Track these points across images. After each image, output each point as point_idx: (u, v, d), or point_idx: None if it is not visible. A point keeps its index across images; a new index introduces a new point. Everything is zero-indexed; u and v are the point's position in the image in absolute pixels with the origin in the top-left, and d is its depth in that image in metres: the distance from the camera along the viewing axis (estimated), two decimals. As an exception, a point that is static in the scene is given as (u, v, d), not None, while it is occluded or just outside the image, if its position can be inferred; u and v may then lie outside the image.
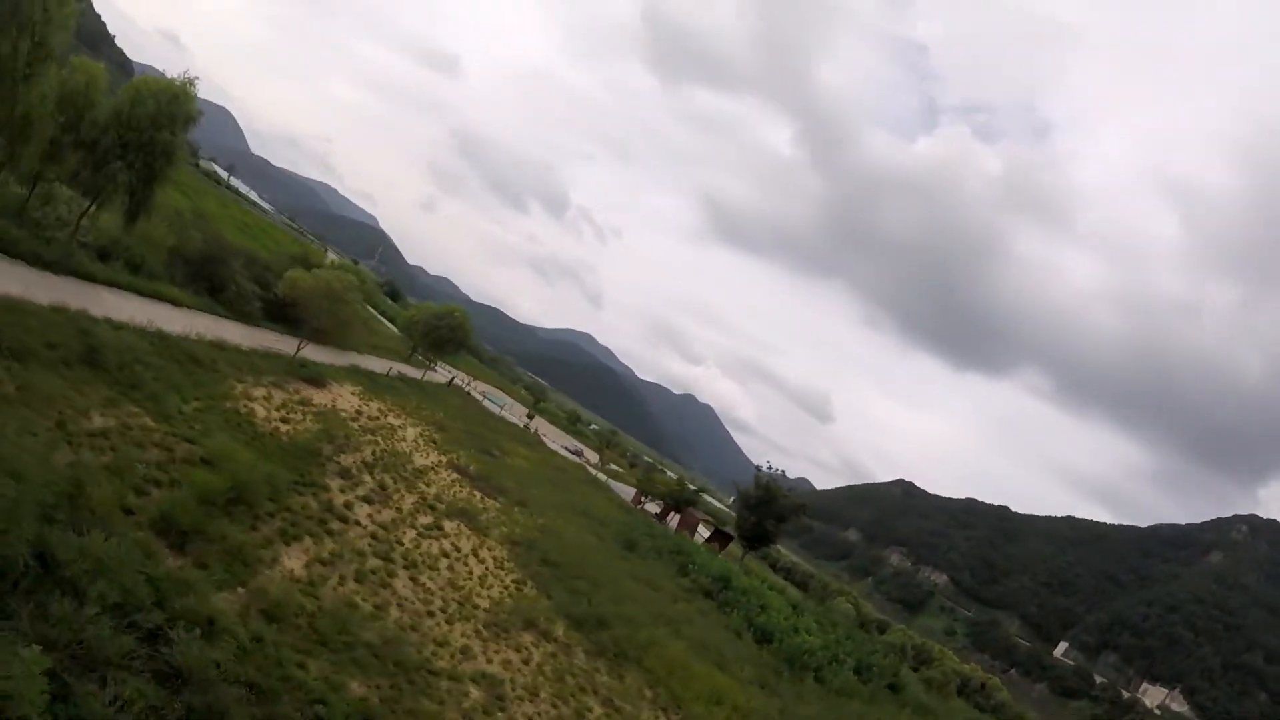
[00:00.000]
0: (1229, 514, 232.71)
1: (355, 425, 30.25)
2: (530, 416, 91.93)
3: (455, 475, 32.09)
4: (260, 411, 23.80)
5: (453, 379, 74.53)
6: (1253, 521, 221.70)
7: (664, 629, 24.35)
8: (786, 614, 37.05)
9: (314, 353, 38.28)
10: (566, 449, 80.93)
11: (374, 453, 27.03)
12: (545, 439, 75.17)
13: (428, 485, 27.12)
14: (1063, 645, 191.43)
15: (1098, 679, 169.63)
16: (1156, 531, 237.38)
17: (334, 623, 12.99)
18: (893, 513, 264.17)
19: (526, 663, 16.53)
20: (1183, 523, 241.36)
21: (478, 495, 30.34)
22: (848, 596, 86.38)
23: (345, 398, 34.85)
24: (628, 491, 67.26)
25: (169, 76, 27.24)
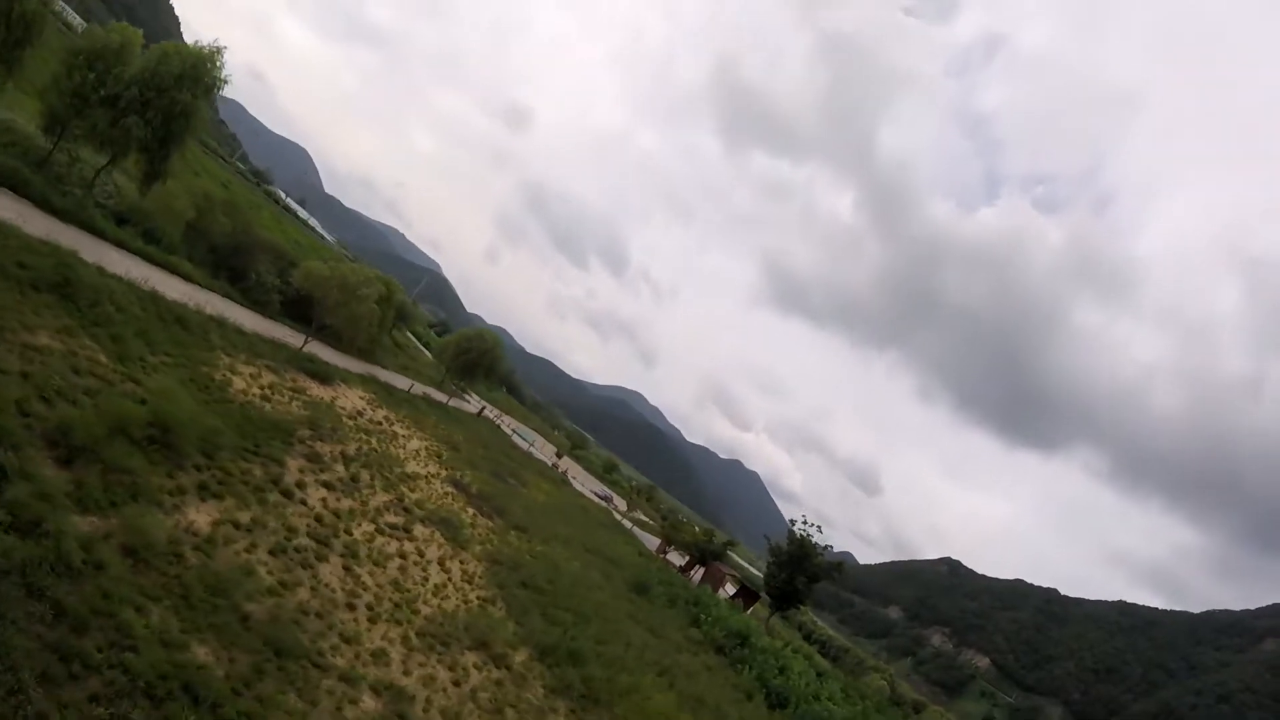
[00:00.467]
0: None
1: (350, 422, 28.20)
2: (559, 455, 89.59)
3: (451, 489, 29.69)
4: (239, 384, 21.93)
5: (483, 409, 72.87)
6: None
7: (654, 677, 21.09)
8: (809, 679, 32.95)
9: (332, 356, 37.22)
10: (595, 493, 78.11)
11: (360, 448, 24.88)
12: (574, 481, 72.48)
13: (411, 490, 24.73)
14: None
15: None
16: (1210, 618, 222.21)
17: (212, 582, 10.57)
18: (937, 591, 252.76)
19: (457, 684, 13.58)
20: (1238, 609, 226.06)
21: (470, 511, 27.83)
22: (883, 674, 79.73)
23: (349, 398, 32.60)
24: (654, 543, 63.66)
25: (199, 45, 26.83)
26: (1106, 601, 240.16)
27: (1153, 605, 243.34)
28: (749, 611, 52.41)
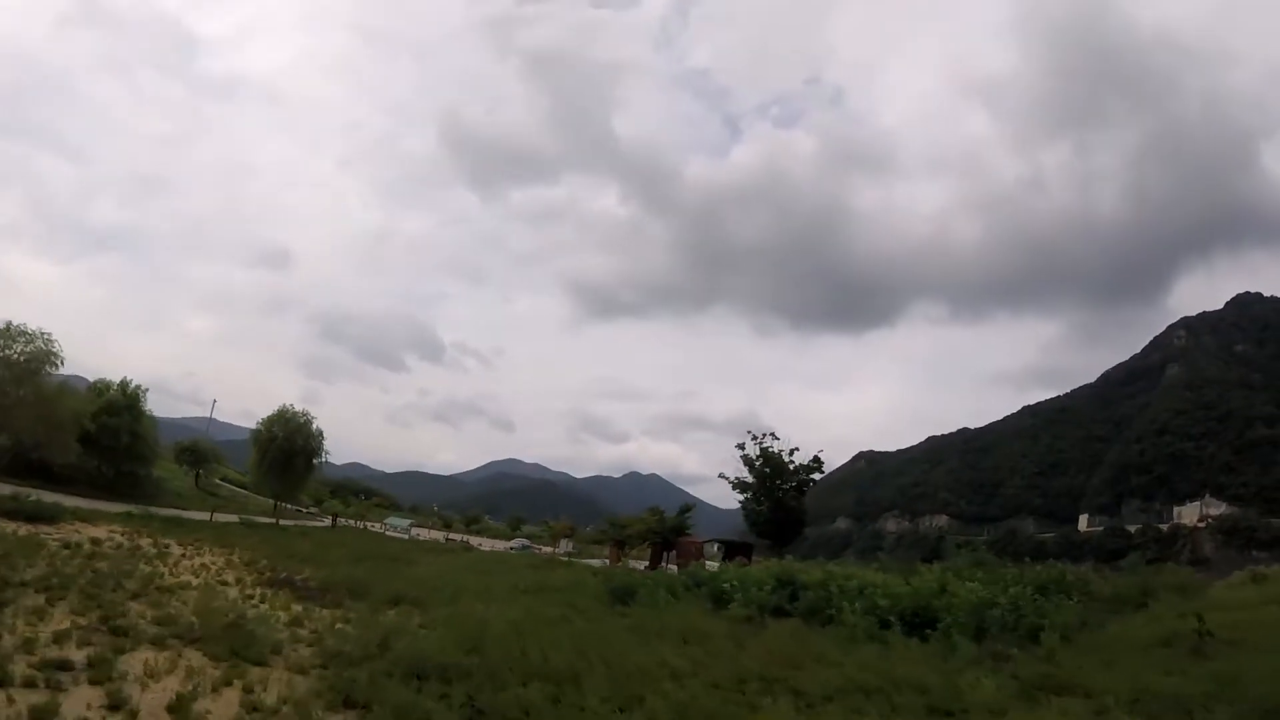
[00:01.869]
0: (1163, 328, 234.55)
1: (81, 550, 15.99)
2: (447, 526, 76.63)
3: (268, 590, 17.64)
4: None
5: (336, 518, 58.58)
6: (1187, 323, 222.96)
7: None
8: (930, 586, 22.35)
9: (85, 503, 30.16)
10: (511, 547, 65.94)
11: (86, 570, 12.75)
12: (480, 546, 59.82)
13: (168, 601, 12.78)
14: (1083, 519, 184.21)
15: (1131, 529, 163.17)
16: (1108, 378, 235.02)
17: None
18: (868, 485, 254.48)
19: None
20: (1127, 358, 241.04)
21: (296, 607, 15.95)
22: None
23: (88, 531, 22.93)
24: (601, 563, 52.16)
25: None
26: (1013, 413, 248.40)
27: (1054, 395, 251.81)
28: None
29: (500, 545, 70.12)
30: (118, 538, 23.75)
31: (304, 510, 66.25)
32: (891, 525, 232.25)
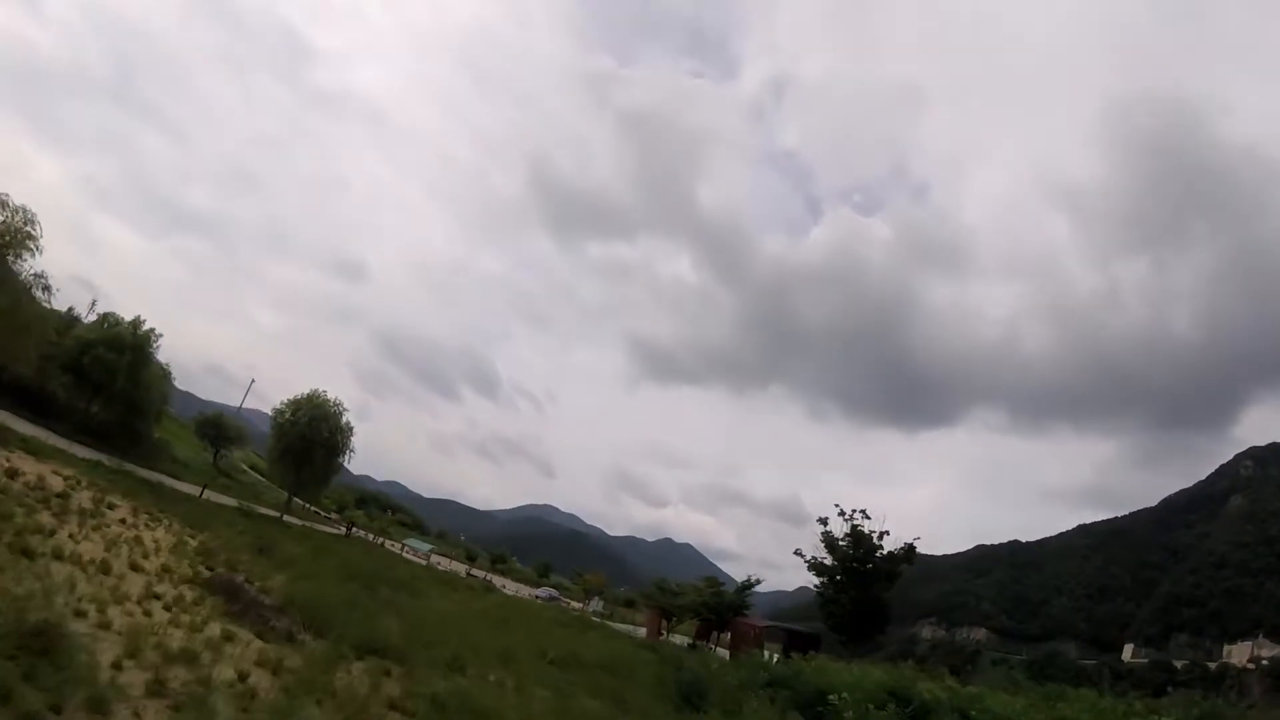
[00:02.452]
0: (1229, 457, 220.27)
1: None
2: (471, 559, 70.12)
3: (190, 592, 11.58)
4: None
5: (351, 526, 52.77)
6: (1255, 453, 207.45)
7: None
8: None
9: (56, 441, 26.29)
10: (537, 595, 59.37)
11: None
12: (503, 588, 52.99)
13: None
14: (1128, 648, 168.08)
15: (1178, 664, 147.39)
16: (1169, 504, 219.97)
17: None
18: (908, 586, 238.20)
19: None
20: (1189, 485, 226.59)
21: (213, 628, 9.76)
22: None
23: (21, 464, 18.87)
24: (637, 634, 44.73)
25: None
26: (1066, 530, 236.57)
27: (1112, 516, 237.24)
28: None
29: (525, 590, 63.58)
30: (51, 479, 18.29)
31: (322, 514, 60.61)
32: (927, 632, 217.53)
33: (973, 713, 15.92)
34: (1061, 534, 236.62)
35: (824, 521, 37.87)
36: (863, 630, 38.29)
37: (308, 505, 54.93)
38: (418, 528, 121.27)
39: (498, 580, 64.36)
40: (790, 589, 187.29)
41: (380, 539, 57.84)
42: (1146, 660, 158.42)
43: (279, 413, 39.94)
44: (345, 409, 41.28)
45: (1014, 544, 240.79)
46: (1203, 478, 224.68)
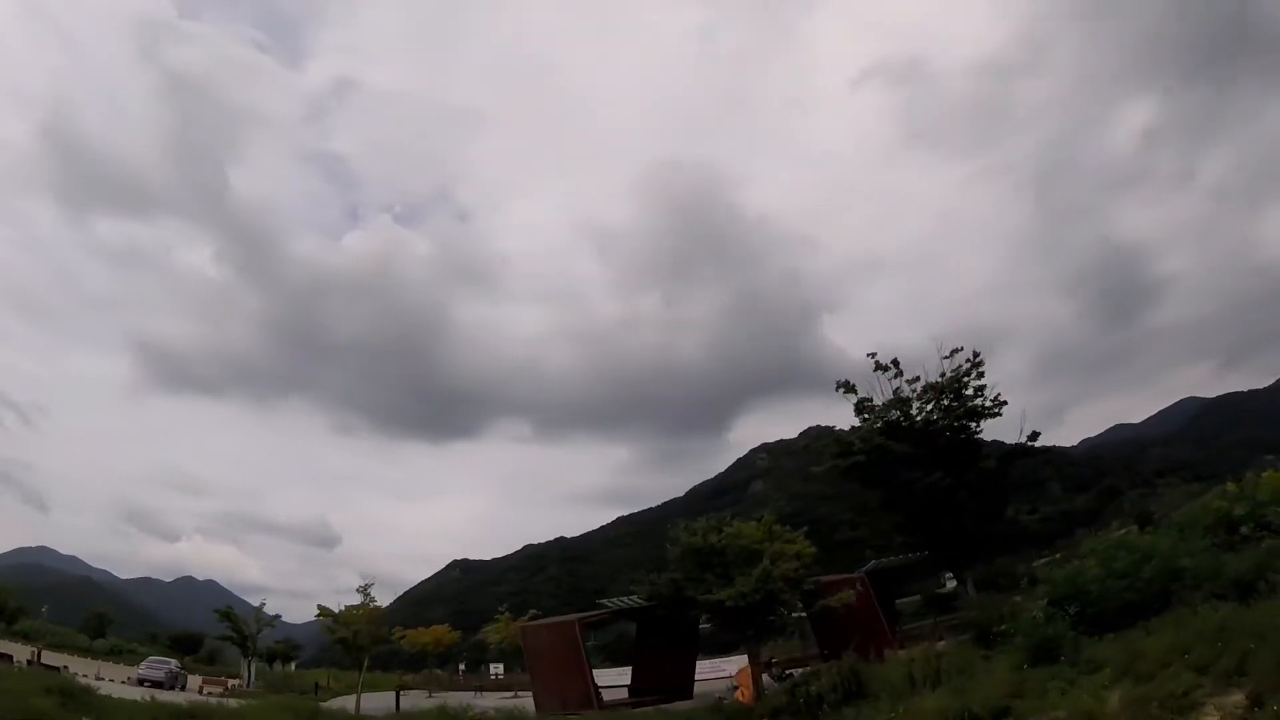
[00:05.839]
0: (745, 451, 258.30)
1: None
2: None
3: None
4: None
5: None
6: (767, 448, 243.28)
7: None
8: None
9: None
10: (141, 675, 38.16)
11: None
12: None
13: None
14: None
15: None
16: (696, 492, 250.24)
17: None
18: (465, 594, 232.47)
19: None
20: (712, 476, 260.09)
21: None
22: None
23: None
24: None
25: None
26: (608, 524, 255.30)
27: (645, 508, 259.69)
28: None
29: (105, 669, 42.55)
30: None
31: None
32: (494, 635, 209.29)
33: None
34: (603, 527, 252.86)
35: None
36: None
37: None
38: None
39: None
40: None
41: None
42: (710, 627, 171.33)
43: None
44: None
45: (561, 540, 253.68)
46: (724, 469, 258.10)
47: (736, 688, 26.91)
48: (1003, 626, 16.61)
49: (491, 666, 65.50)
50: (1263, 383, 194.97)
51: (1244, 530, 17.40)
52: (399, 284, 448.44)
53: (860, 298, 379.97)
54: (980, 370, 33.59)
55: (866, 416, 36.47)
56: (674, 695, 29.56)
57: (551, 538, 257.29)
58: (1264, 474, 21.21)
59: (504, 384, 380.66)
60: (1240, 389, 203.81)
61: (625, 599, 33.80)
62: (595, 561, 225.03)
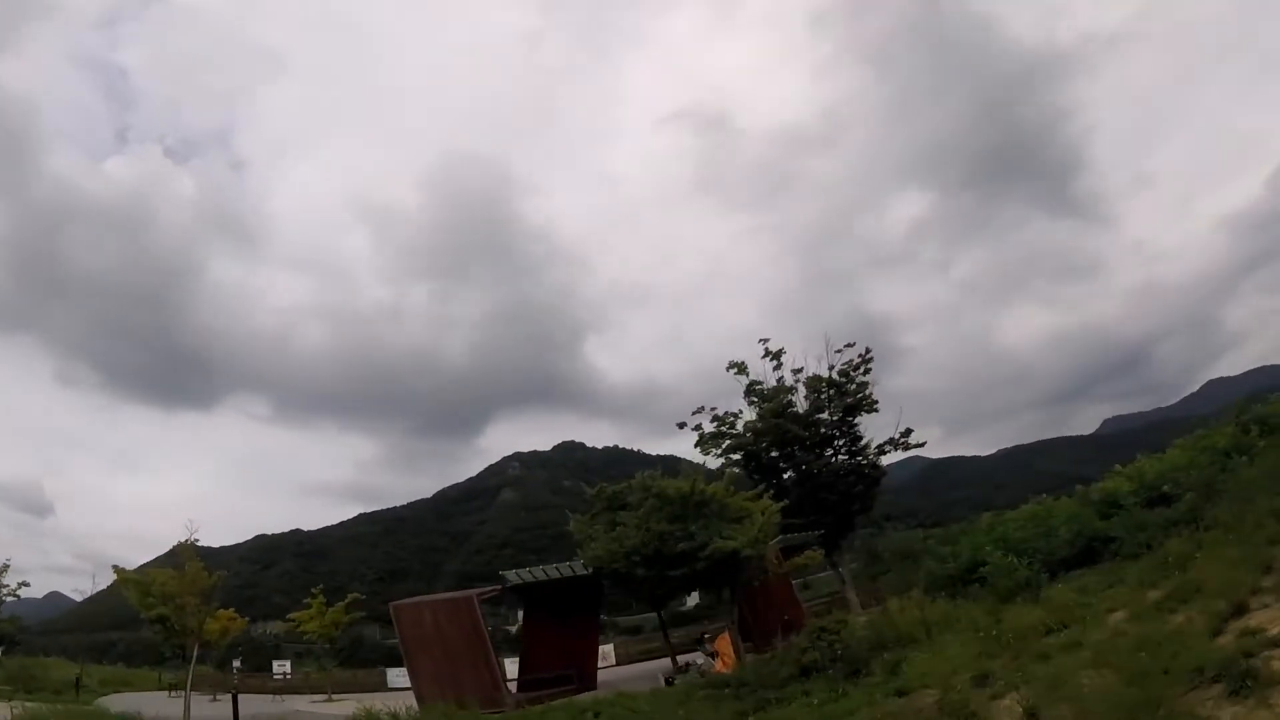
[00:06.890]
0: (497, 459, 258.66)
1: None
2: None
3: None
4: None
5: None
6: (520, 457, 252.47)
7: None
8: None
9: None
10: None
11: None
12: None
13: None
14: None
15: None
16: (443, 495, 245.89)
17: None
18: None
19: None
20: (462, 480, 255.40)
21: None
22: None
23: None
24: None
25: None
26: (349, 519, 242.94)
27: (390, 506, 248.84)
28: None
29: None
30: None
31: None
32: (311, 624, 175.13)
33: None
34: (344, 523, 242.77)
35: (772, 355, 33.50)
36: (839, 530, 32.94)
37: None
38: None
39: None
40: (40, 596, 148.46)
41: None
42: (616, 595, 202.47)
43: None
44: None
45: (297, 533, 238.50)
46: (474, 475, 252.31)
47: (716, 655, 23.84)
48: (975, 574, 16.88)
49: (275, 664, 57.28)
50: (985, 451, 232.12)
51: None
52: (154, 223, 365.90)
53: (625, 324, 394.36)
54: (869, 366, 33.23)
55: (754, 400, 35.03)
56: (578, 686, 25.64)
57: (287, 529, 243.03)
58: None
59: (248, 354, 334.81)
60: (964, 454, 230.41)
61: (534, 570, 28.10)
62: (333, 558, 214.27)
